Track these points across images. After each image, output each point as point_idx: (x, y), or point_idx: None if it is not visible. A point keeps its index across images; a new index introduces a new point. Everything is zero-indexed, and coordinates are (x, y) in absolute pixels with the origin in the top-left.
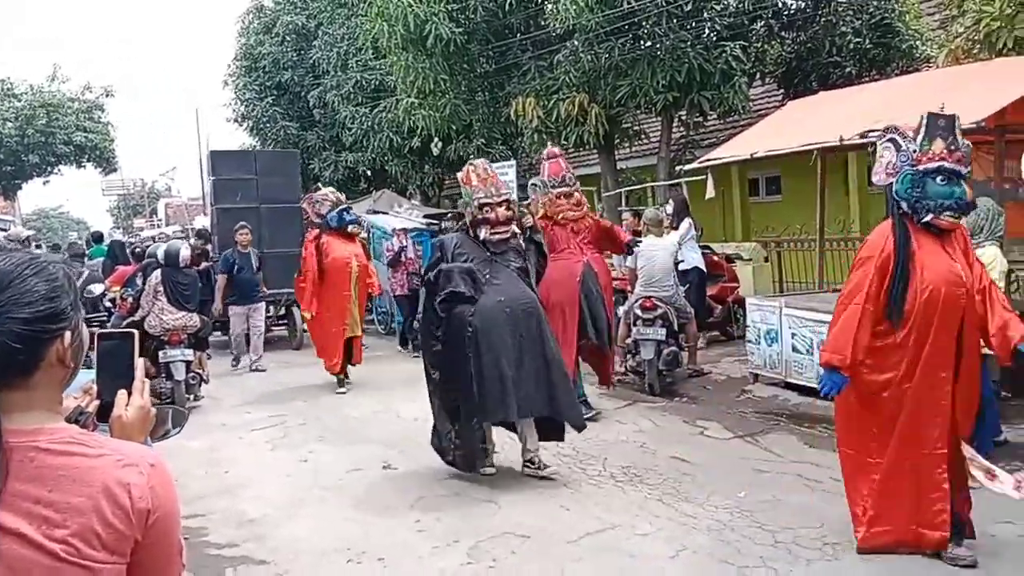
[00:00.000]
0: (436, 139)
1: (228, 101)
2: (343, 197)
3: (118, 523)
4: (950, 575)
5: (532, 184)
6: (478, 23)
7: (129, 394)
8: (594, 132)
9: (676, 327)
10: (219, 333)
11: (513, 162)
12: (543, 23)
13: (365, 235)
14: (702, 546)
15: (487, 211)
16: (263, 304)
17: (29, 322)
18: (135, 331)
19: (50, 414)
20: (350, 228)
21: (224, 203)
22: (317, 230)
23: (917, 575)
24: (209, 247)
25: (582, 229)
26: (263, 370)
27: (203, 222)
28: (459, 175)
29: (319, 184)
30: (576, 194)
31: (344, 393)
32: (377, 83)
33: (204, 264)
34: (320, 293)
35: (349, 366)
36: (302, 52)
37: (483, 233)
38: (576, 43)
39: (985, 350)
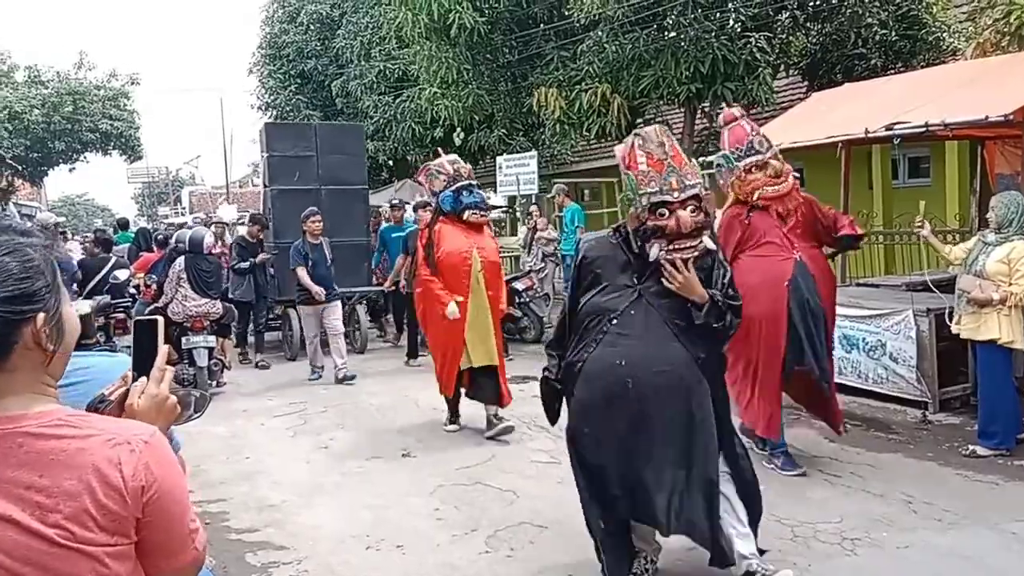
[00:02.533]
0: (458, 129)
1: (252, 89)
2: (467, 168)
3: (112, 504)
4: (980, 570)
5: (716, 164)
6: (501, 12)
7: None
8: (616, 123)
9: None
10: (275, 332)
11: (534, 153)
12: (567, 13)
13: (500, 217)
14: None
15: (662, 215)
16: (339, 303)
17: None
18: (159, 317)
19: (36, 397)
20: (467, 215)
21: (280, 184)
22: (430, 214)
23: (939, 570)
24: (263, 235)
25: (791, 212)
26: (351, 377)
27: (227, 210)
28: (617, 152)
29: (439, 150)
30: (774, 163)
31: (454, 431)
32: (400, 72)
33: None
34: (431, 301)
35: (493, 408)
36: (326, 41)
37: (654, 251)
38: (600, 33)
39: (1016, 345)
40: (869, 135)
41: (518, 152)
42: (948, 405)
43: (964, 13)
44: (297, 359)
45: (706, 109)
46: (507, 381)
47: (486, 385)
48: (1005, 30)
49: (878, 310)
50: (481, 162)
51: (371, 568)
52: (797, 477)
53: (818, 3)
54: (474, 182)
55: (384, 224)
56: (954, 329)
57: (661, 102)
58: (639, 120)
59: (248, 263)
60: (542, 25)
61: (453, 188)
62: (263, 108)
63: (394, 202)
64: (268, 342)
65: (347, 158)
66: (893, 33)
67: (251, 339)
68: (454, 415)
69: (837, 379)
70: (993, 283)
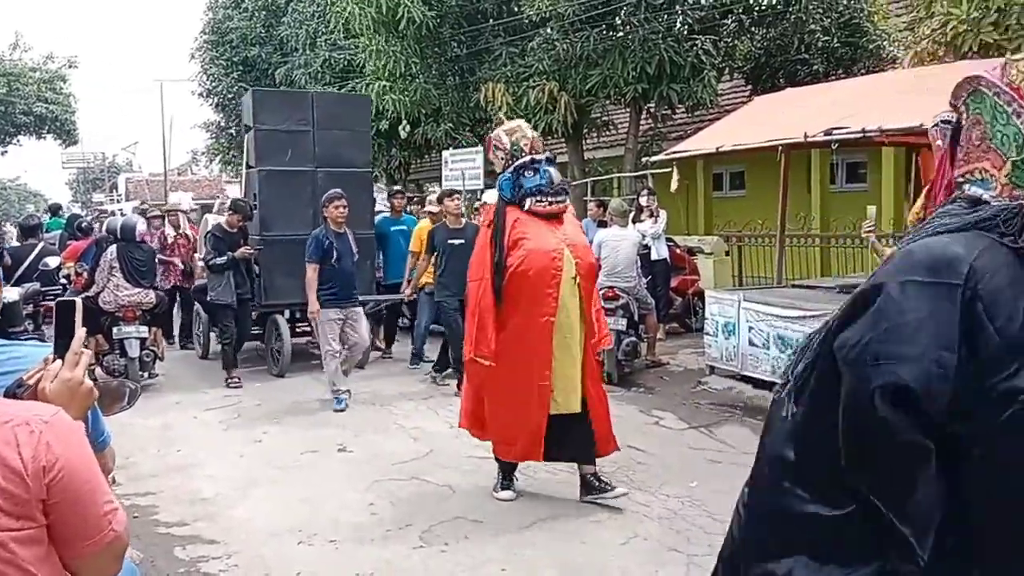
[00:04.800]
0: (404, 122)
1: (193, 76)
2: (530, 139)
3: (12, 487)
4: None
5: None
6: (451, 7)
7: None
8: (563, 121)
9: (636, 318)
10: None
11: (480, 148)
12: (516, 9)
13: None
14: (652, 534)
15: None
16: (361, 309)
17: None
18: (77, 299)
19: None
20: (530, 205)
21: (269, 163)
22: (494, 204)
23: None
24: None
25: None
26: (340, 407)
27: (182, 197)
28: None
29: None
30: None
31: (510, 500)
32: (346, 63)
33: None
34: (501, 320)
35: (591, 467)
36: (271, 28)
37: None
38: (550, 31)
39: None
40: (808, 139)
41: (464, 147)
42: None
43: (904, 23)
44: (286, 375)
45: (651, 109)
46: (609, 423)
47: (574, 437)
48: (941, 40)
49: (812, 311)
50: (427, 156)
51: (303, 562)
52: (727, 472)
53: (763, 8)
54: (540, 156)
55: (380, 216)
56: None
57: (608, 101)
58: (586, 118)
59: (226, 258)
60: (491, 20)
61: (512, 168)
62: (204, 95)
63: (394, 189)
64: (244, 353)
65: (349, 134)
66: (835, 40)
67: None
68: (509, 477)
69: (772, 378)
70: None
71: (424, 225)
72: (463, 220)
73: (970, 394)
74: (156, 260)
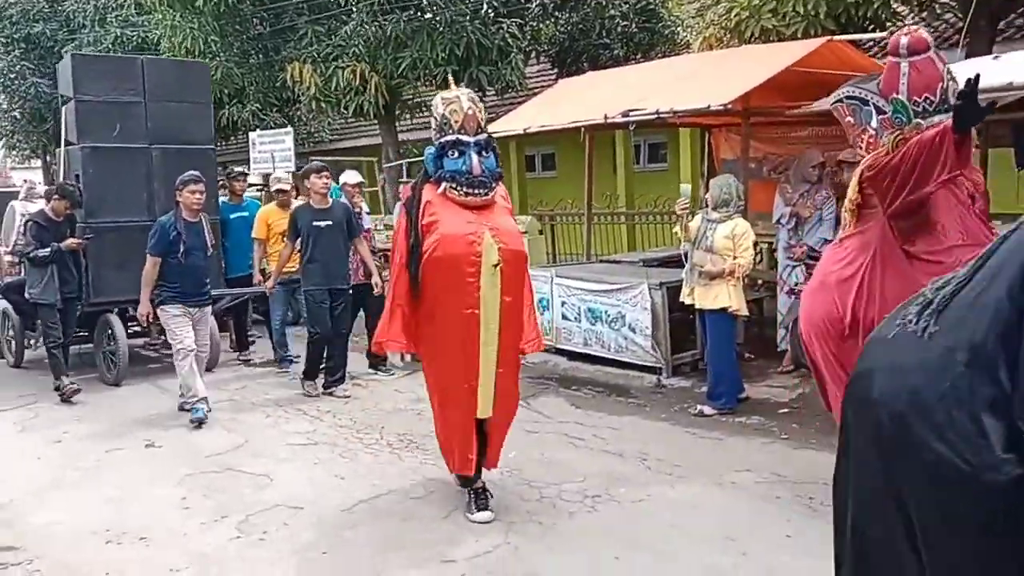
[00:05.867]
0: None
1: None
2: (466, 112)
3: None
4: (706, 517)
5: (866, 103)
6: None
7: None
8: (374, 102)
9: None
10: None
11: (290, 130)
12: None
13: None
14: None
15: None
16: (209, 311)
17: None
18: None
19: None
20: (453, 192)
21: (93, 140)
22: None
23: (670, 520)
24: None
25: (977, 195)
26: (198, 416)
27: None
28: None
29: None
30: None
31: (488, 521)
32: (139, 40)
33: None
34: (422, 317)
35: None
36: (55, 3)
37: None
38: (361, 14)
39: (742, 312)
40: (608, 120)
41: (273, 128)
42: (679, 370)
43: (694, 9)
44: (122, 384)
45: None
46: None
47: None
48: (727, 26)
49: (618, 284)
50: (233, 138)
51: (111, 563)
52: (543, 440)
53: None
54: (469, 139)
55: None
56: (687, 300)
57: (419, 83)
58: (398, 99)
59: (50, 249)
60: None
61: (438, 143)
62: None
63: (236, 170)
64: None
65: (188, 107)
66: (633, 25)
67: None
68: (478, 493)
69: (584, 349)
70: (721, 257)
71: (269, 209)
72: (330, 199)
73: None
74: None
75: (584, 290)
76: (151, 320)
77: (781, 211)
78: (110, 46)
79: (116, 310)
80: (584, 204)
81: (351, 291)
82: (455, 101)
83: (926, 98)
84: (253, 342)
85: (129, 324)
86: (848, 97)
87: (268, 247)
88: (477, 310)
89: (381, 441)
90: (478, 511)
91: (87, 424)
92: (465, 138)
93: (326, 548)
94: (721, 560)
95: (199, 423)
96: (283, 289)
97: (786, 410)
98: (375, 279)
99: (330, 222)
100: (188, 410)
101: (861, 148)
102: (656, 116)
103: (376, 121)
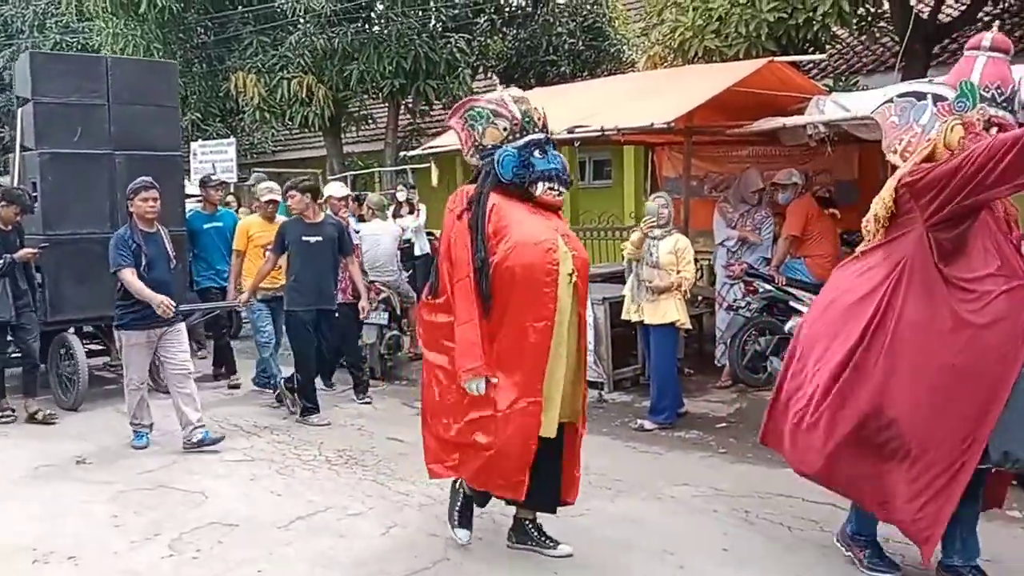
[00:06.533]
0: None
1: None
2: (541, 112)
3: None
4: (644, 530)
5: (930, 92)
6: None
7: None
8: (320, 114)
9: (399, 312)
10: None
11: (232, 140)
12: None
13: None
14: (412, 521)
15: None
16: (183, 326)
17: None
18: None
19: None
20: (541, 192)
21: (52, 144)
22: (469, 188)
23: (609, 534)
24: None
25: (1012, 223)
26: (218, 440)
27: None
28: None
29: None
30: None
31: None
32: (79, 47)
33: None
34: (489, 330)
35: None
36: None
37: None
38: (306, 24)
39: (686, 326)
40: (553, 137)
41: (215, 138)
42: (620, 385)
43: (640, 28)
44: (80, 408)
45: (409, 105)
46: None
47: (537, 470)
48: (671, 45)
49: None
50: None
51: None
52: None
53: (513, 9)
54: (551, 137)
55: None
56: (633, 317)
57: (366, 96)
58: (344, 112)
59: (2, 261)
60: (240, 7)
61: (521, 143)
62: None
63: (212, 178)
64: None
65: (155, 110)
66: (580, 43)
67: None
68: (469, 513)
69: None
70: (667, 271)
71: (251, 220)
72: (322, 214)
73: None
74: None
75: None
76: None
77: (726, 234)
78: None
79: (73, 329)
80: None
81: (337, 312)
82: (525, 100)
83: (998, 87)
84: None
85: (88, 343)
86: (902, 95)
87: (247, 261)
88: (551, 322)
89: (319, 457)
90: (459, 528)
91: (13, 440)
92: (550, 137)
93: (261, 566)
94: (659, 573)
95: (143, 448)
96: (266, 306)
97: (724, 424)
98: (363, 302)
99: (320, 238)
100: (200, 445)
101: (896, 151)
102: (600, 133)
103: (321, 133)
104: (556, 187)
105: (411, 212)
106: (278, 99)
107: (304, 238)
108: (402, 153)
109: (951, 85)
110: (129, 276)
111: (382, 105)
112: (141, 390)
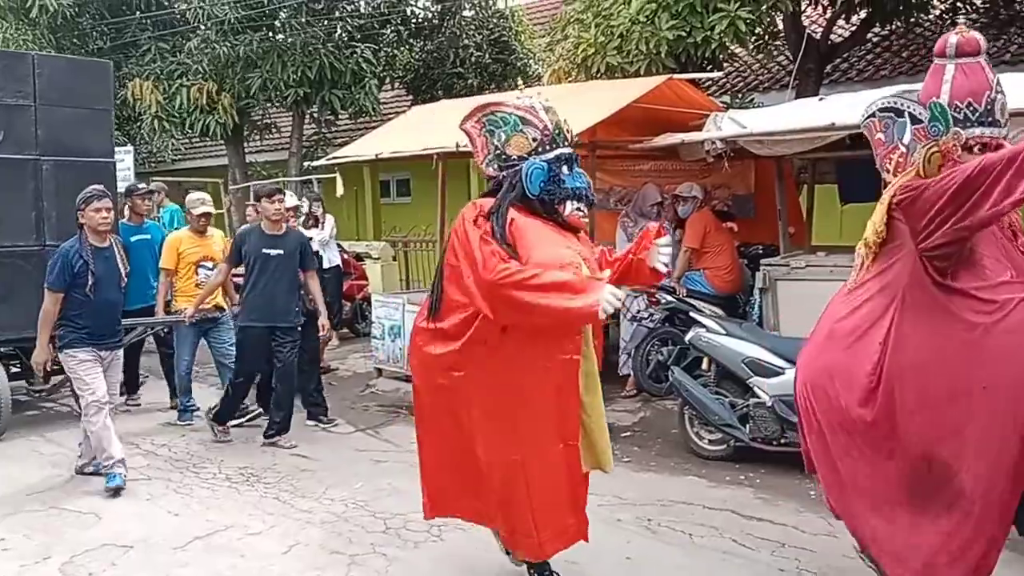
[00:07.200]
0: None
1: None
2: (567, 124)
3: None
4: None
5: (901, 110)
6: None
7: None
8: (222, 122)
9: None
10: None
11: (130, 148)
12: (165, 3)
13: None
14: (315, 539)
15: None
16: (121, 352)
17: None
18: None
19: None
20: (570, 211)
21: None
22: (488, 199)
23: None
24: None
25: (1017, 230)
26: (115, 483)
27: None
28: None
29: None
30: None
31: None
32: None
33: None
34: (495, 365)
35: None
36: None
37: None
38: (208, 32)
39: None
40: (460, 148)
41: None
42: None
43: (545, 43)
44: (4, 435)
45: (314, 114)
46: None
47: None
48: (574, 60)
49: None
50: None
51: None
52: (391, 470)
53: (420, 21)
54: (574, 153)
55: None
56: None
57: (269, 104)
58: (247, 120)
59: None
60: (138, 13)
61: (551, 155)
62: None
63: (140, 187)
64: None
65: (86, 113)
66: (487, 56)
67: None
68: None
69: None
70: None
71: (181, 235)
72: (283, 226)
73: None
74: None
75: None
76: (48, 370)
77: (627, 247)
78: None
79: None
80: (437, 231)
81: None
82: (554, 110)
83: (969, 104)
84: (143, 383)
85: (7, 365)
86: (882, 109)
87: (176, 280)
88: (578, 355)
89: (219, 475)
90: None
91: None
92: (571, 151)
93: None
94: None
95: (116, 491)
96: (195, 328)
97: (628, 434)
98: (322, 319)
99: (282, 251)
100: (93, 474)
101: (888, 170)
102: None
103: (223, 142)
104: (583, 207)
105: (315, 225)
106: (177, 107)
107: (265, 250)
108: (307, 163)
109: (924, 101)
110: (49, 302)
111: (287, 114)
112: (103, 410)
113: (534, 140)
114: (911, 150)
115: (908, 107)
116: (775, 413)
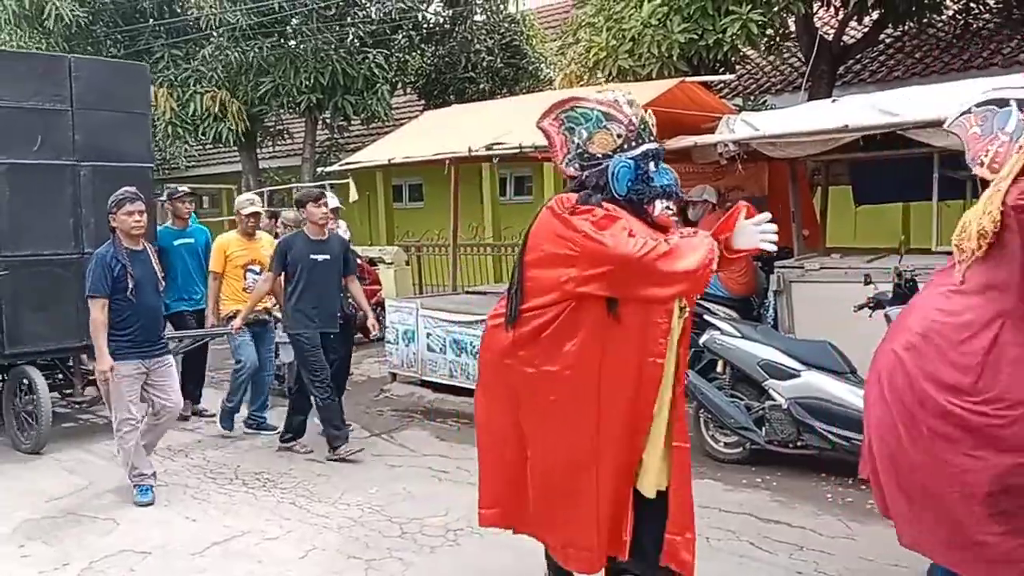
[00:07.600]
0: None
1: None
2: (653, 119)
3: None
4: None
5: (1012, 98)
6: (105, 4)
7: None
8: (234, 129)
9: None
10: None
11: None
12: (179, 10)
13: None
14: (331, 544)
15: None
16: (171, 358)
17: None
18: None
19: None
20: (659, 210)
21: (9, 155)
22: (569, 196)
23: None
24: None
25: None
26: (146, 499)
27: None
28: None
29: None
30: None
31: None
32: None
33: None
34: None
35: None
36: None
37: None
38: (220, 37)
39: None
40: (472, 153)
41: None
42: None
43: (556, 47)
44: (44, 452)
45: (327, 120)
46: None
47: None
48: (586, 64)
49: (484, 316)
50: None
51: None
52: (406, 475)
53: (431, 26)
54: (660, 149)
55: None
56: None
57: (282, 110)
58: (259, 126)
59: None
60: (151, 20)
61: (637, 152)
62: None
63: (180, 190)
64: None
65: (124, 117)
66: (499, 61)
67: None
68: None
69: (450, 381)
70: None
71: (229, 238)
72: (327, 231)
73: None
74: None
75: (449, 321)
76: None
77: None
78: None
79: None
80: (450, 235)
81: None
82: (637, 103)
83: None
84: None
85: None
86: (980, 104)
87: (225, 282)
88: (662, 360)
89: (236, 480)
90: None
91: None
92: (658, 146)
93: None
94: None
95: (148, 506)
96: (249, 332)
97: None
98: (371, 321)
99: (328, 256)
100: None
101: (983, 163)
102: (519, 150)
103: (236, 148)
104: (672, 205)
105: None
106: (191, 114)
107: (312, 256)
108: (320, 169)
109: None
110: (97, 311)
111: (299, 120)
112: (137, 428)
113: (619, 136)
114: (1015, 136)
115: (1015, 94)
116: (791, 416)
